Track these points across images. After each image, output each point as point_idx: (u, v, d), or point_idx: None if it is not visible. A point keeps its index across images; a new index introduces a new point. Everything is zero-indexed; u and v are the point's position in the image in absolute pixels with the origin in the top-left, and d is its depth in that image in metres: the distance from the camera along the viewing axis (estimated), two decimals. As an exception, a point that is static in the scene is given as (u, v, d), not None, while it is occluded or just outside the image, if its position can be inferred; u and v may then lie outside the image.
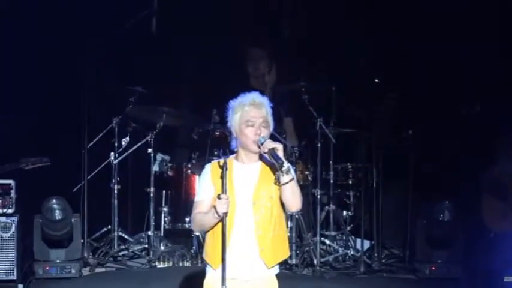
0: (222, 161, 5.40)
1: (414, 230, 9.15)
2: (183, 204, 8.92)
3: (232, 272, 5.36)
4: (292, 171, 5.31)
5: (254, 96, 5.53)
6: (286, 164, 5.19)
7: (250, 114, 5.40)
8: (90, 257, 8.79)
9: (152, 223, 8.91)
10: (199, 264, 8.38)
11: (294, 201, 5.35)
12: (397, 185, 9.87)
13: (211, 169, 5.48)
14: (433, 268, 8.72)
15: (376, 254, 9.07)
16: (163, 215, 9.02)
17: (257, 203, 5.33)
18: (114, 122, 8.92)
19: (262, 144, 5.27)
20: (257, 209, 5.37)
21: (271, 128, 5.47)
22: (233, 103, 5.56)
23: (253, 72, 10.12)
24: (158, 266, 8.72)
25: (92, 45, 9.47)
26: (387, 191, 9.57)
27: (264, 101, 5.50)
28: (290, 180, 5.23)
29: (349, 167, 9.35)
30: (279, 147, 5.22)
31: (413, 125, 9.75)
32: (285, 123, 9.46)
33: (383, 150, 9.50)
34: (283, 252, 5.55)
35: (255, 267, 5.41)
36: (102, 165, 9.02)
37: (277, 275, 5.61)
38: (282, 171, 5.21)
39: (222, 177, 5.34)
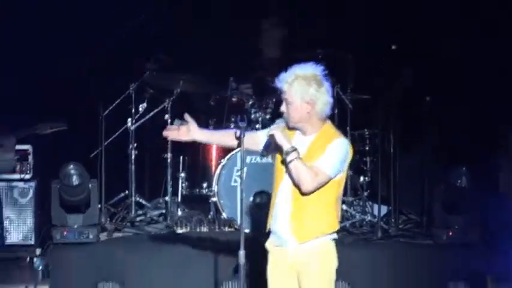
0: (238, 132, 5.61)
1: (431, 195, 9.15)
2: (200, 170, 9.11)
3: (275, 241, 5.60)
4: (293, 155, 5.37)
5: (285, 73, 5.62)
6: (286, 148, 5.36)
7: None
8: (108, 222, 8.87)
9: (169, 189, 8.99)
10: (217, 230, 8.60)
11: (298, 182, 5.40)
12: (414, 151, 9.96)
13: (282, 127, 5.56)
14: (450, 233, 8.69)
15: (393, 220, 9.11)
16: (180, 181, 9.04)
17: None
18: (131, 88, 8.92)
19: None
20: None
21: (293, 105, 5.49)
22: None
23: (267, 41, 10.03)
24: (176, 231, 8.73)
25: (110, 13, 9.39)
26: (404, 157, 9.64)
27: (285, 77, 5.52)
28: (290, 162, 5.36)
29: (366, 133, 9.31)
30: (276, 134, 5.43)
31: (432, 91, 9.64)
32: None
33: (400, 117, 9.46)
34: (318, 229, 5.54)
35: (288, 239, 5.52)
36: (120, 131, 9.09)
37: (325, 249, 5.59)
38: (283, 153, 5.39)
39: (240, 145, 5.58)
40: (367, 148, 9.28)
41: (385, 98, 9.54)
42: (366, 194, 9.31)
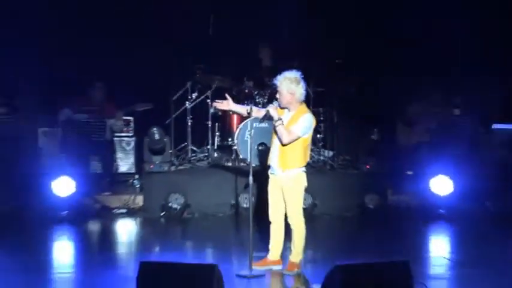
0: (248, 108, 6.27)
1: (358, 145, 9.99)
2: (227, 131, 9.53)
3: (271, 171, 6.15)
4: (279, 122, 5.93)
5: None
6: (275, 119, 5.94)
7: None
8: (175, 160, 9.60)
9: (210, 141, 9.50)
10: (236, 164, 9.16)
11: (280, 138, 5.97)
12: (350, 120, 10.32)
13: (275, 107, 6.05)
14: (368, 167, 9.60)
15: (335, 159, 9.76)
16: (216, 137, 9.54)
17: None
18: (188, 84, 9.48)
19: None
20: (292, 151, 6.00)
21: (282, 95, 6.00)
22: None
23: (263, 56, 10.32)
24: (213, 165, 9.36)
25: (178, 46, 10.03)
26: (344, 123, 10.07)
27: (279, 78, 6.05)
28: (276, 127, 5.95)
29: (321, 110, 9.73)
30: (270, 110, 6.00)
31: (359, 85, 10.20)
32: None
33: (341, 101, 10.01)
34: (294, 164, 6.04)
35: (277, 170, 6.08)
36: (182, 109, 9.56)
37: (298, 175, 6.06)
38: (273, 121, 5.98)
39: (250, 116, 6.27)
40: (321, 118, 9.62)
41: (332, 90, 9.87)
42: (320, 144, 9.81)
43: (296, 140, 6.01)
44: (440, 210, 8.82)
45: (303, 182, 6.14)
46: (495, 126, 9.31)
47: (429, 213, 8.83)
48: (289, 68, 6.26)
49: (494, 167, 9.26)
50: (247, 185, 6.51)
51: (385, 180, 9.46)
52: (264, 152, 7.04)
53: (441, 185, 8.85)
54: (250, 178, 6.13)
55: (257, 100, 9.39)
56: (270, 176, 6.23)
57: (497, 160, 9.28)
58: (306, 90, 6.23)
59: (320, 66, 9.79)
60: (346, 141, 10.15)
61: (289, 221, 6.17)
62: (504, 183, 9.10)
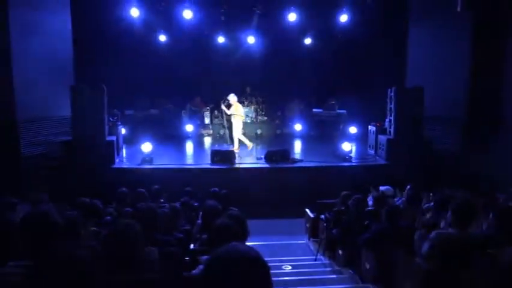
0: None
1: (274, 117, 9.36)
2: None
3: (234, 124, 6.37)
4: (233, 112, 5.84)
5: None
6: (232, 112, 5.94)
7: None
8: (222, 121, 8.82)
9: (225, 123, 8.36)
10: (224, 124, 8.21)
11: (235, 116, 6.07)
12: (266, 109, 9.32)
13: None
14: (277, 121, 9.33)
15: (258, 118, 9.19)
16: (225, 119, 8.28)
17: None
18: (222, 99, 7.84)
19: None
20: (234, 117, 6.43)
21: (231, 101, 5.83)
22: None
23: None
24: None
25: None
26: (262, 109, 9.25)
27: (229, 96, 6.05)
28: (232, 114, 6.03)
29: (251, 105, 9.12)
30: (230, 107, 6.01)
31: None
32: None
33: (262, 102, 9.26)
34: (239, 121, 6.24)
35: (235, 123, 6.32)
36: (221, 110, 7.91)
37: (241, 124, 6.28)
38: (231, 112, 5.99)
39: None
40: (248, 106, 8.92)
41: (258, 98, 9.20)
42: (253, 114, 9.16)
43: (239, 115, 6.77)
44: (297, 135, 9.21)
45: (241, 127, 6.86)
46: (314, 110, 9.38)
47: (294, 136, 9.12)
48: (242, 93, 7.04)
49: (314, 124, 9.28)
50: (228, 128, 7.07)
51: (281, 126, 9.68)
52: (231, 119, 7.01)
53: (298, 127, 9.24)
54: (226, 125, 7.48)
55: (245, 103, 9.21)
56: (234, 124, 6.95)
57: (314, 122, 9.28)
58: (241, 99, 6.92)
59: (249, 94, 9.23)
60: (265, 114, 9.46)
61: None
62: (318, 132, 9.21)
